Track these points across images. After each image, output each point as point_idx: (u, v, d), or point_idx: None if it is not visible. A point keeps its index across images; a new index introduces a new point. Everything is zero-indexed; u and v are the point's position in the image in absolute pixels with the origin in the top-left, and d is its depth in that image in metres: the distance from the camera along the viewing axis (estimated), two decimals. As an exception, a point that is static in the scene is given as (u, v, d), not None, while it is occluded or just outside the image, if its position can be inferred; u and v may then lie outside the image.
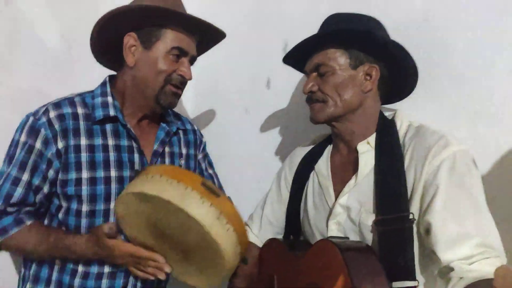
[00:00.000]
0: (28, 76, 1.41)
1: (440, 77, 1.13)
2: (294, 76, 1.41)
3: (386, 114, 1.07)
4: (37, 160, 1.03)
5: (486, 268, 0.77)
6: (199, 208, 0.84)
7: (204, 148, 1.36)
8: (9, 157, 1.05)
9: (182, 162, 1.25)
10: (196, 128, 1.36)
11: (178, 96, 1.14)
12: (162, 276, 0.98)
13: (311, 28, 1.09)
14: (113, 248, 0.97)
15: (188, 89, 1.77)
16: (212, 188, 0.88)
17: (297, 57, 1.10)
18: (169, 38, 1.08)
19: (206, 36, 1.16)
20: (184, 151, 1.27)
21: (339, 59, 1.01)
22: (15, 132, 1.07)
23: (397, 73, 1.04)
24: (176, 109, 1.35)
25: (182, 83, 1.12)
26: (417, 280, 0.85)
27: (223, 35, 1.19)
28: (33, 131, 1.04)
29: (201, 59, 1.74)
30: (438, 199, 0.84)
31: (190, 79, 1.13)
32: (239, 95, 1.67)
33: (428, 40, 1.15)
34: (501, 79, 1.04)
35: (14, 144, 1.06)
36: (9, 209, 1.03)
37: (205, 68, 1.76)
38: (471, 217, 0.83)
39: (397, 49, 0.99)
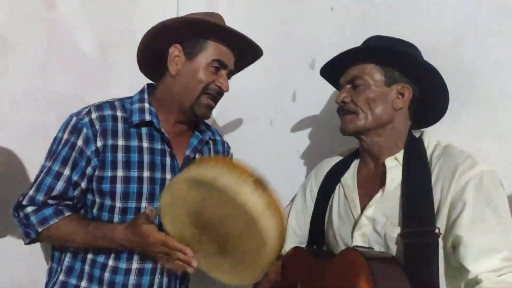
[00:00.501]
0: (63, 80, 1.47)
1: (467, 100, 1.16)
2: (320, 90, 1.45)
3: (414, 133, 1.09)
4: (78, 157, 1.09)
5: None
6: (250, 197, 0.86)
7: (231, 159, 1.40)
8: (52, 153, 1.11)
9: None
10: (224, 140, 1.40)
11: (211, 108, 1.19)
12: (189, 270, 0.98)
13: (337, 45, 1.14)
14: (148, 234, 0.98)
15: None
16: (262, 180, 0.90)
17: (333, 69, 1.14)
18: (211, 51, 1.14)
19: (245, 52, 1.22)
20: None
21: (375, 75, 1.05)
22: (59, 130, 1.13)
23: (429, 96, 1.07)
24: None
25: (219, 94, 1.17)
26: None
27: (260, 52, 1.24)
28: (76, 130, 1.10)
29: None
30: (466, 214, 0.88)
31: (227, 90, 1.18)
32: (263, 107, 1.70)
33: (456, 63, 1.17)
34: None
35: (57, 141, 1.12)
36: (50, 201, 1.08)
37: (232, 80, 1.82)
38: (498, 232, 0.86)
39: (432, 72, 1.03)
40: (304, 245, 1.23)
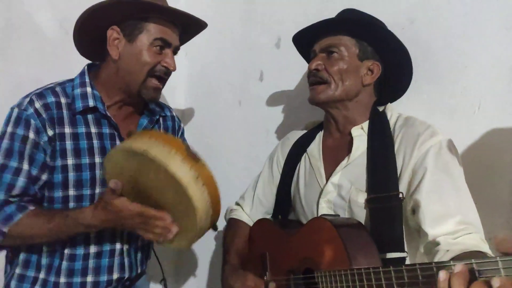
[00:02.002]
0: (25, 63, 1.40)
1: (420, 77, 1.19)
2: (287, 69, 1.47)
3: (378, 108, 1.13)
4: (33, 150, 1.03)
5: (469, 242, 0.84)
6: (179, 168, 0.89)
7: (182, 134, 1.37)
8: (3, 150, 1.03)
9: None
10: (174, 114, 1.36)
11: (159, 90, 1.14)
12: (170, 236, 0.96)
13: (302, 23, 1.14)
14: (121, 208, 0.95)
15: (181, 81, 1.83)
16: (193, 153, 0.94)
17: (305, 38, 1.15)
18: (152, 30, 1.08)
19: (188, 26, 1.18)
20: None
21: (350, 47, 1.07)
22: (3, 125, 1.06)
23: (395, 74, 1.11)
24: (169, 102, 1.38)
25: (166, 74, 1.13)
26: (406, 251, 0.93)
27: (204, 25, 1.20)
28: (23, 122, 1.03)
29: (194, 52, 1.79)
30: (425, 181, 0.92)
31: (174, 69, 1.13)
32: (232, 88, 1.69)
33: (411, 41, 1.19)
34: (474, 80, 1.13)
35: (5, 136, 1.04)
36: (11, 199, 1.03)
37: (199, 61, 1.79)
38: (454, 197, 0.91)
39: (403, 51, 1.07)
40: (270, 216, 1.25)
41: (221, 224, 1.21)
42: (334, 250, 0.90)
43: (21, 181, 1.02)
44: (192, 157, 0.93)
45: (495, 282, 0.54)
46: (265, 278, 1.08)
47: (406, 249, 0.95)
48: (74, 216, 1.00)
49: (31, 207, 1.04)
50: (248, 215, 1.28)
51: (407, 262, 0.95)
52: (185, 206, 0.92)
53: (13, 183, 1.02)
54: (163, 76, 1.13)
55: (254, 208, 1.27)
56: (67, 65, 1.23)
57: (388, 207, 0.95)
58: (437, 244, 0.87)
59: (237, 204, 1.33)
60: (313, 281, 0.94)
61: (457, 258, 0.81)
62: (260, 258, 1.12)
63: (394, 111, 1.10)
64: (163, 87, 1.15)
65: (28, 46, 1.43)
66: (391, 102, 1.15)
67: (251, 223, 1.25)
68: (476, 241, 0.85)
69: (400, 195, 0.94)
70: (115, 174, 0.99)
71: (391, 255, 0.92)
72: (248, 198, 1.29)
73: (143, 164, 0.92)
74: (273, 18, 1.57)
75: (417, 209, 0.92)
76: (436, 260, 0.84)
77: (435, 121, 1.10)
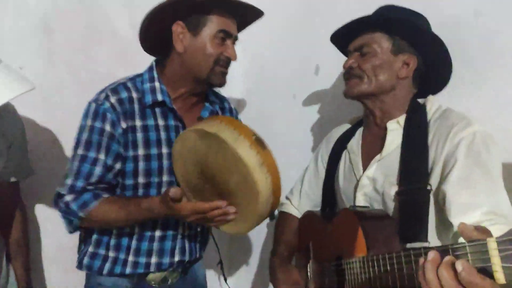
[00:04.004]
0: (104, 61, 1.54)
1: (486, 72, 1.15)
2: (342, 64, 1.48)
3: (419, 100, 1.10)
4: (109, 141, 1.10)
5: (494, 233, 0.78)
6: (247, 152, 0.94)
7: None
8: (83, 141, 1.11)
9: None
10: (232, 106, 1.40)
11: (225, 75, 1.19)
12: (230, 217, 1.01)
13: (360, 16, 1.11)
14: (179, 209, 1.02)
15: (238, 75, 1.89)
16: (261, 140, 0.98)
17: (343, 37, 1.16)
18: (214, 23, 1.13)
19: (246, 16, 1.21)
20: None
21: (382, 43, 1.06)
22: (82, 119, 1.13)
23: (434, 67, 1.08)
24: (227, 95, 1.45)
25: (228, 63, 1.17)
26: (428, 241, 0.91)
27: (261, 13, 1.22)
28: (100, 116, 1.10)
29: (252, 48, 1.85)
30: (454, 171, 0.90)
31: (236, 59, 1.17)
32: (287, 81, 1.70)
33: (476, 35, 1.17)
34: None
35: (84, 129, 1.11)
36: (89, 187, 1.10)
37: (255, 56, 1.81)
38: (483, 188, 0.88)
39: (438, 44, 1.03)
40: (318, 209, 1.27)
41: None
42: (356, 239, 0.92)
43: (98, 170, 1.09)
44: (259, 144, 0.97)
45: (458, 264, 0.57)
46: (308, 268, 1.12)
47: (438, 239, 0.94)
48: (146, 205, 1.07)
49: (106, 195, 1.11)
50: (297, 208, 1.30)
51: None
52: (249, 190, 0.96)
53: (91, 172, 1.09)
54: (226, 65, 1.17)
55: (301, 201, 1.30)
56: (139, 61, 1.34)
57: (416, 199, 0.94)
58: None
59: (287, 198, 1.35)
60: (341, 268, 0.97)
61: None
62: (306, 249, 1.17)
63: (434, 103, 1.07)
64: (227, 72, 1.20)
65: (106, 46, 1.55)
66: (433, 94, 1.11)
67: (299, 216, 1.27)
68: (503, 232, 0.81)
69: (428, 187, 0.93)
70: (183, 152, 1.05)
71: (414, 244, 0.90)
72: (296, 192, 1.32)
73: (213, 145, 0.97)
74: (331, 11, 1.55)
75: (445, 199, 0.90)
76: None
77: (501, 118, 1.06)
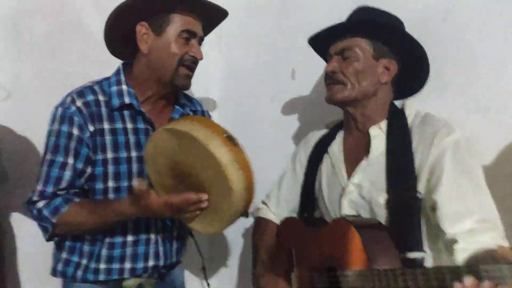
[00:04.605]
0: (74, 62, 1.50)
1: (453, 74, 1.17)
2: (318, 67, 1.44)
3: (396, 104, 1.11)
4: (78, 145, 1.09)
5: (487, 240, 0.84)
6: (219, 149, 0.94)
7: None
8: (50, 146, 1.09)
9: None
10: (205, 109, 1.38)
11: (190, 77, 1.17)
12: (204, 205, 1.01)
13: (335, 21, 1.11)
14: (150, 203, 1.00)
15: (215, 79, 1.89)
16: (232, 138, 0.98)
17: (321, 40, 1.15)
18: (177, 23, 1.12)
19: (211, 16, 1.20)
20: None
21: (364, 48, 1.06)
22: (49, 124, 1.12)
23: (411, 70, 1.08)
24: (204, 99, 1.44)
25: (194, 63, 1.16)
26: (424, 250, 0.92)
27: (226, 13, 1.22)
28: (66, 119, 1.09)
29: (229, 52, 1.84)
30: (444, 180, 0.91)
31: (202, 58, 1.16)
32: (264, 85, 1.70)
33: (444, 38, 1.18)
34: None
35: (52, 134, 1.10)
36: (59, 193, 1.09)
37: (232, 61, 1.80)
38: (473, 195, 0.90)
39: (418, 47, 1.04)
40: (294, 214, 1.26)
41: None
42: (354, 250, 0.91)
43: (67, 174, 1.08)
44: (231, 141, 0.97)
45: None
46: (292, 275, 1.10)
47: (428, 248, 0.95)
48: (115, 206, 1.06)
49: (77, 199, 1.09)
50: (274, 214, 1.28)
51: (430, 260, 0.94)
52: (222, 187, 0.96)
53: (60, 176, 1.08)
54: (191, 64, 1.15)
55: (280, 206, 1.28)
56: (112, 62, 1.33)
57: (407, 207, 0.95)
58: (455, 242, 0.86)
59: (263, 202, 1.33)
60: (335, 280, 0.95)
61: (474, 256, 0.82)
62: (287, 256, 1.14)
63: (412, 108, 1.08)
64: (192, 74, 1.18)
65: (77, 47, 1.51)
66: (409, 96, 1.12)
67: (277, 221, 1.25)
68: (494, 239, 0.84)
69: (419, 195, 0.94)
70: (155, 154, 1.04)
71: (410, 255, 0.91)
72: (274, 197, 1.30)
73: (185, 143, 0.96)
74: (307, 15, 1.55)
75: (435, 208, 0.91)
76: (454, 258, 0.85)
77: (470, 119, 1.08)
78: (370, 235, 0.93)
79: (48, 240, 1.12)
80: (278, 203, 1.29)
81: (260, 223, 1.29)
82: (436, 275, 0.70)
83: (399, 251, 0.90)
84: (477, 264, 0.66)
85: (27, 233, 1.33)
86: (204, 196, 1.00)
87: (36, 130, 1.42)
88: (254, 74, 1.75)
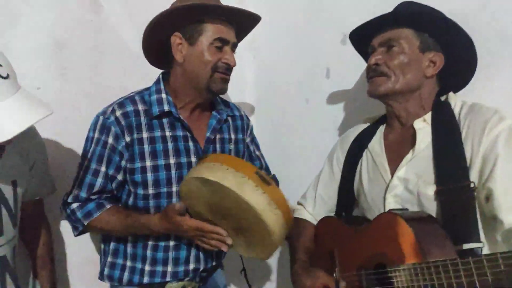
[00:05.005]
0: (114, 76, 1.55)
1: (498, 64, 1.12)
2: (352, 65, 1.44)
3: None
4: (111, 154, 1.15)
5: None
6: (253, 195, 0.95)
7: (251, 132, 1.42)
8: (86, 153, 1.17)
9: (232, 146, 1.32)
10: (243, 113, 1.40)
11: (226, 81, 1.19)
12: (224, 248, 1.08)
13: (367, 19, 1.11)
14: (182, 223, 1.07)
15: (249, 81, 1.90)
16: (264, 177, 0.99)
17: (363, 35, 1.12)
18: (210, 31, 1.14)
19: (243, 22, 1.22)
20: (233, 136, 1.32)
21: (411, 40, 1.02)
22: (89, 131, 1.18)
23: (458, 64, 1.04)
24: (239, 103, 1.45)
25: (228, 70, 1.18)
26: (482, 241, 0.88)
27: (257, 18, 1.23)
28: (105, 129, 1.15)
29: (262, 55, 1.84)
30: (499, 168, 0.88)
31: (235, 65, 1.18)
32: (299, 86, 1.69)
33: (485, 27, 1.13)
34: None
35: (89, 141, 1.17)
36: (92, 197, 1.16)
37: (266, 63, 1.81)
38: None
39: (467, 41, 1.00)
40: (332, 214, 1.24)
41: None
42: (406, 244, 0.88)
43: (99, 181, 1.15)
44: (263, 181, 0.98)
45: None
46: (334, 275, 1.06)
47: (483, 238, 0.90)
48: (144, 221, 1.13)
49: (108, 205, 1.16)
50: (311, 214, 1.27)
51: (485, 252, 0.90)
52: (262, 229, 0.99)
53: (93, 183, 1.15)
54: (225, 71, 1.17)
55: (316, 207, 1.26)
56: (147, 74, 1.36)
57: (460, 198, 0.91)
58: None
59: (299, 203, 1.32)
60: (386, 276, 0.91)
61: None
62: (328, 256, 1.11)
63: (457, 99, 1.04)
64: (229, 78, 1.20)
65: (116, 61, 1.56)
66: (454, 92, 1.08)
67: (314, 222, 1.24)
68: None
69: (472, 185, 0.90)
70: (190, 196, 1.07)
71: (466, 246, 0.88)
72: (310, 197, 1.28)
73: (218, 192, 0.99)
74: (338, 14, 1.54)
75: (491, 197, 0.88)
76: None
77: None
78: (422, 227, 0.89)
79: (76, 235, 1.22)
80: (315, 203, 1.27)
81: (297, 224, 1.26)
82: (506, 260, 0.68)
83: (454, 243, 0.87)
84: None
85: (76, 241, 1.38)
86: (229, 241, 1.09)
87: (79, 143, 1.48)
88: (287, 76, 1.74)
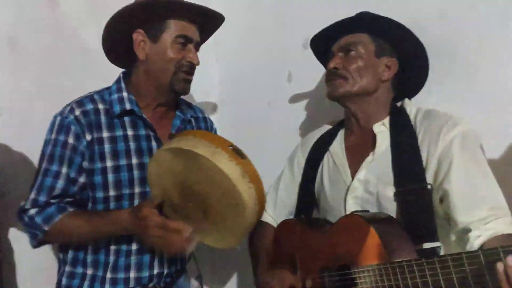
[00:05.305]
0: (72, 75, 1.49)
1: (450, 69, 1.18)
2: (313, 69, 1.45)
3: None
4: (72, 154, 1.08)
5: (500, 226, 0.85)
6: (227, 165, 0.90)
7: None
8: (46, 155, 1.09)
9: None
10: (207, 116, 1.37)
11: (189, 81, 1.16)
12: (187, 251, 1.00)
13: (329, 24, 1.13)
14: (147, 215, 0.98)
15: (213, 84, 1.90)
16: (238, 150, 0.95)
17: (323, 41, 1.16)
18: (173, 28, 1.11)
19: (207, 22, 1.20)
20: None
21: (367, 45, 1.07)
22: (47, 133, 1.12)
23: (412, 70, 1.10)
24: (202, 104, 1.44)
25: (191, 68, 1.15)
26: (439, 241, 0.91)
27: (221, 18, 1.21)
28: (64, 128, 1.09)
29: (226, 57, 1.85)
30: (453, 170, 0.90)
31: (198, 64, 1.16)
32: (261, 89, 1.70)
33: (442, 35, 1.19)
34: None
35: (48, 142, 1.10)
36: (52, 201, 1.08)
37: (229, 65, 1.82)
38: (483, 184, 0.90)
39: (420, 47, 1.05)
40: (292, 217, 1.23)
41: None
42: (370, 245, 0.88)
43: (60, 183, 1.08)
44: (238, 154, 0.94)
45: None
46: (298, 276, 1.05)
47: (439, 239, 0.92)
48: (112, 216, 1.06)
49: (70, 209, 1.08)
50: (272, 217, 1.26)
51: (442, 251, 0.93)
52: (234, 203, 0.93)
53: (53, 185, 1.07)
54: (189, 70, 1.15)
55: (277, 209, 1.25)
56: (109, 75, 1.32)
57: (418, 199, 0.94)
58: (469, 230, 0.86)
59: None
60: (350, 277, 0.92)
61: (488, 242, 0.83)
62: (288, 259, 1.10)
63: (412, 105, 1.08)
64: (191, 79, 1.17)
65: (75, 60, 1.51)
66: (409, 99, 1.12)
67: (275, 225, 1.23)
68: (506, 224, 0.86)
69: (429, 186, 0.93)
70: (160, 174, 1.00)
71: (427, 245, 0.90)
72: (271, 200, 1.27)
73: (191, 162, 0.93)
74: (300, 18, 1.57)
75: (446, 198, 0.91)
76: (468, 246, 0.86)
77: (469, 114, 1.07)
78: (384, 228, 0.91)
79: (34, 247, 1.11)
80: (275, 206, 1.27)
81: (257, 227, 1.22)
82: (463, 261, 0.70)
83: (414, 242, 0.89)
84: (495, 248, 0.66)
85: (25, 249, 1.30)
86: (194, 242, 0.99)
87: (32, 145, 1.41)
88: (250, 78, 1.75)
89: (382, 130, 1.07)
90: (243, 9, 1.70)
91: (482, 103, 1.15)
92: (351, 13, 1.14)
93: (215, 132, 1.40)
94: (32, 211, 1.08)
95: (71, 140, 1.09)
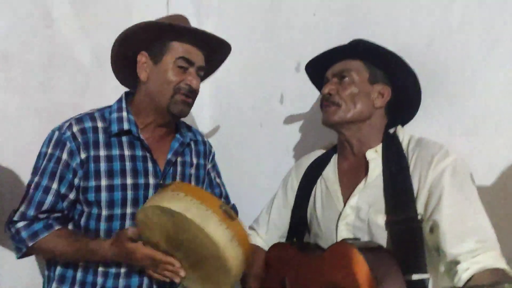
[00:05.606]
0: (65, 92, 1.49)
1: (439, 98, 1.20)
2: (305, 92, 1.47)
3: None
4: (64, 170, 1.08)
5: (488, 260, 0.84)
6: (217, 230, 0.91)
7: (213, 158, 1.38)
8: (38, 168, 1.09)
9: (193, 171, 1.28)
10: (206, 139, 1.37)
11: (187, 104, 1.16)
12: (177, 280, 1.01)
13: (321, 48, 1.14)
14: (134, 251, 1.00)
15: (205, 105, 1.90)
16: (228, 212, 0.95)
17: (317, 66, 1.17)
18: (175, 50, 1.12)
19: (213, 49, 1.19)
20: (195, 160, 1.29)
21: (361, 72, 1.07)
22: (42, 145, 1.12)
23: (405, 98, 1.10)
24: (194, 124, 1.44)
25: (190, 92, 1.14)
26: (428, 272, 0.90)
27: (228, 46, 1.21)
28: (59, 144, 1.09)
29: (218, 78, 1.86)
30: (443, 202, 0.90)
31: (197, 88, 1.15)
32: (253, 110, 1.71)
33: (429, 62, 1.21)
34: (496, 100, 1.11)
35: (42, 156, 1.10)
36: (40, 216, 1.07)
37: (222, 86, 1.82)
38: (472, 216, 0.90)
39: (412, 76, 1.06)
40: (284, 239, 1.22)
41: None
42: (360, 273, 0.87)
43: (49, 198, 1.07)
44: (228, 216, 0.95)
45: None
46: None
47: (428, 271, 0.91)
48: (93, 247, 1.05)
49: (57, 226, 1.09)
50: (263, 240, 1.25)
51: (430, 283, 0.92)
52: (221, 266, 0.94)
53: (43, 200, 1.07)
54: (188, 94, 1.14)
55: (269, 232, 1.25)
56: (101, 92, 1.32)
57: (408, 228, 0.94)
58: (458, 263, 0.86)
59: (251, 228, 1.30)
60: None
61: (477, 276, 0.83)
62: (279, 283, 1.09)
63: (405, 133, 1.09)
64: (192, 103, 1.17)
65: (68, 77, 1.51)
66: (402, 125, 1.13)
67: (266, 248, 1.21)
68: (495, 258, 0.85)
69: (419, 217, 0.93)
70: (148, 224, 1.00)
71: (415, 276, 0.89)
72: (263, 222, 1.27)
73: (181, 224, 0.93)
74: (293, 42, 1.58)
75: (436, 229, 0.90)
76: (456, 279, 0.85)
77: (455, 142, 1.09)
78: (374, 257, 0.89)
79: (18, 257, 1.12)
80: (268, 228, 1.26)
81: None
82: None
83: (404, 272, 0.88)
84: (482, 285, 0.66)
85: (10, 265, 1.28)
86: (182, 273, 1.01)
87: (22, 162, 1.40)
88: (243, 99, 1.75)
89: (374, 157, 1.07)
90: (236, 31, 1.72)
91: (468, 131, 1.16)
92: (342, 36, 1.16)
93: (213, 155, 1.40)
94: (20, 224, 1.08)
95: (65, 156, 1.09)
